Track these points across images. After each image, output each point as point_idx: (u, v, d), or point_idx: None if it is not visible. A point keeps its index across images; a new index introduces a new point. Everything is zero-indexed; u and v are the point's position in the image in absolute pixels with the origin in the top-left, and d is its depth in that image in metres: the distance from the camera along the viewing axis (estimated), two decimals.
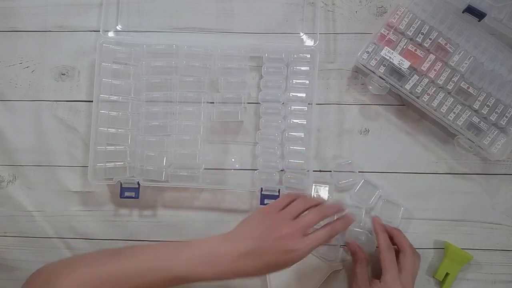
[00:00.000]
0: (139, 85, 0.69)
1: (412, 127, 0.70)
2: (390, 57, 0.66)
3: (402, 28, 0.67)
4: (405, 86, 0.66)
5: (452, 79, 0.66)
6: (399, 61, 0.66)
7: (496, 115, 0.66)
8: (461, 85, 0.66)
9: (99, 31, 0.69)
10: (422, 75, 0.67)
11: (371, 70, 0.67)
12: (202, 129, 0.69)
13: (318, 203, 0.58)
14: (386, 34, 0.67)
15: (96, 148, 0.67)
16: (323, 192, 0.69)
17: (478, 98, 0.66)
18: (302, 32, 0.71)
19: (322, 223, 0.57)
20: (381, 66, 0.67)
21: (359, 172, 0.69)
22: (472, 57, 0.66)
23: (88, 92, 0.71)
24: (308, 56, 0.69)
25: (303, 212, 0.57)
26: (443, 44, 0.67)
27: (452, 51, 0.67)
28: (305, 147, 0.67)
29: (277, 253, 0.53)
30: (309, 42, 0.70)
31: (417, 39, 0.67)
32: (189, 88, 0.69)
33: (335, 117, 0.71)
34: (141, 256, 0.55)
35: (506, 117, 0.66)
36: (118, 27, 0.71)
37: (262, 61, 0.69)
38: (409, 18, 0.67)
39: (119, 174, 0.67)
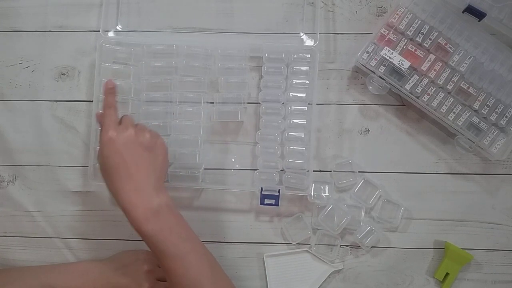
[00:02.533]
0: (139, 85, 0.69)
1: (412, 127, 0.70)
2: (390, 57, 0.66)
3: (402, 28, 0.67)
4: (405, 86, 0.66)
5: (452, 79, 0.66)
6: (399, 61, 0.66)
7: (496, 115, 0.66)
8: (461, 85, 0.66)
9: (99, 31, 0.69)
10: (422, 75, 0.67)
11: (371, 70, 0.67)
12: (202, 129, 0.69)
13: None
14: (386, 34, 0.67)
15: (96, 148, 0.67)
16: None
17: (478, 98, 0.66)
18: (302, 32, 0.71)
19: None
20: (381, 66, 0.67)
21: (359, 172, 0.69)
22: (472, 57, 0.66)
23: (88, 92, 0.71)
24: (308, 56, 0.69)
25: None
26: (443, 44, 0.67)
27: (452, 51, 0.67)
28: (305, 147, 0.67)
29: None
30: (309, 42, 0.70)
31: (417, 39, 0.67)
32: (189, 88, 0.69)
33: (335, 117, 0.71)
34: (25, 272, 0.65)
35: (506, 117, 0.66)
36: (118, 27, 0.71)
37: (262, 61, 0.69)
38: (409, 18, 0.67)
39: None
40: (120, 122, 0.58)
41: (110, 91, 0.59)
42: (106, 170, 0.55)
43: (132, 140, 0.56)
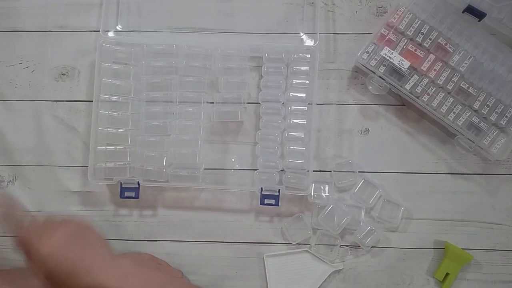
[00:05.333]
0: (139, 85, 0.69)
1: (412, 127, 0.70)
2: (390, 57, 0.66)
3: (402, 28, 0.67)
4: (405, 86, 0.66)
5: (452, 79, 0.66)
6: (399, 61, 0.66)
7: (496, 115, 0.66)
8: (461, 85, 0.66)
9: (99, 31, 0.69)
10: (422, 75, 0.67)
11: (371, 70, 0.67)
12: (202, 129, 0.69)
13: None
14: (386, 34, 0.67)
15: (96, 148, 0.67)
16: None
17: (478, 98, 0.66)
18: (302, 32, 0.71)
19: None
20: (381, 66, 0.67)
21: (359, 172, 0.69)
22: (472, 57, 0.66)
23: (88, 92, 0.71)
24: (308, 56, 0.69)
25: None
26: (443, 44, 0.67)
27: (452, 51, 0.67)
28: (305, 147, 0.67)
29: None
30: (309, 42, 0.70)
31: (417, 39, 0.67)
32: (189, 88, 0.69)
33: (335, 117, 0.71)
34: None
35: (506, 117, 0.66)
36: (118, 27, 0.71)
37: (262, 61, 0.69)
38: (409, 18, 0.67)
39: (119, 174, 0.67)
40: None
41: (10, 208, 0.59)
42: (61, 276, 0.55)
43: (65, 235, 0.57)
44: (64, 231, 0.58)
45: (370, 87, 0.68)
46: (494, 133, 0.66)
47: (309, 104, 0.68)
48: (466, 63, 0.66)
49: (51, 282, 0.55)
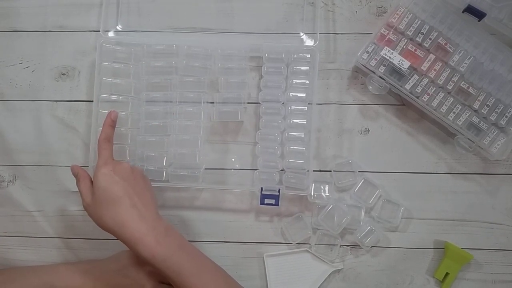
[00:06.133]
0: (139, 84, 0.69)
1: (412, 127, 0.70)
2: (390, 57, 0.66)
3: (402, 28, 0.67)
4: (405, 86, 0.66)
5: (452, 79, 0.66)
6: (399, 61, 0.66)
7: (496, 115, 0.66)
8: (461, 85, 0.66)
9: (99, 31, 0.69)
10: (422, 75, 0.67)
11: (371, 70, 0.67)
12: (202, 129, 0.69)
13: None
14: (386, 34, 0.67)
15: (96, 148, 0.67)
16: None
17: (478, 98, 0.66)
18: (302, 32, 0.71)
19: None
20: (381, 66, 0.67)
21: (359, 172, 0.69)
22: (472, 57, 0.66)
23: (88, 92, 0.71)
24: (308, 56, 0.69)
25: None
26: (443, 44, 0.67)
27: (452, 51, 0.67)
28: (305, 147, 0.67)
29: None
30: (309, 42, 0.70)
31: (417, 39, 0.67)
32: (189, 88, 0.69)
33: (335, 117, 0.71)
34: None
35: (506, 117, 0.66)
36: (118, 27, 0.71)
37: (262, 61, 0.69)
38: (409, 18, 0.67)
39: None
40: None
41: (111, 123, 0.63)
42: (107, 202, 0.56)
43: (128, 171, 0.59)
44: (129, 165, 0.60)
45: (370, 87, 0.68)
46: (494, 133, 0.66)
47: (309, 104, 0.68)
48: (466, 63, 0.66)
49: (99, 204, 0.58)
